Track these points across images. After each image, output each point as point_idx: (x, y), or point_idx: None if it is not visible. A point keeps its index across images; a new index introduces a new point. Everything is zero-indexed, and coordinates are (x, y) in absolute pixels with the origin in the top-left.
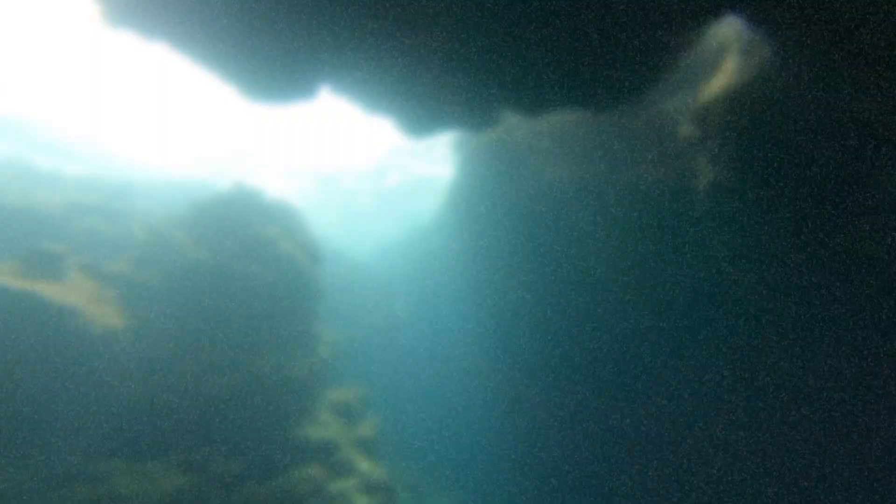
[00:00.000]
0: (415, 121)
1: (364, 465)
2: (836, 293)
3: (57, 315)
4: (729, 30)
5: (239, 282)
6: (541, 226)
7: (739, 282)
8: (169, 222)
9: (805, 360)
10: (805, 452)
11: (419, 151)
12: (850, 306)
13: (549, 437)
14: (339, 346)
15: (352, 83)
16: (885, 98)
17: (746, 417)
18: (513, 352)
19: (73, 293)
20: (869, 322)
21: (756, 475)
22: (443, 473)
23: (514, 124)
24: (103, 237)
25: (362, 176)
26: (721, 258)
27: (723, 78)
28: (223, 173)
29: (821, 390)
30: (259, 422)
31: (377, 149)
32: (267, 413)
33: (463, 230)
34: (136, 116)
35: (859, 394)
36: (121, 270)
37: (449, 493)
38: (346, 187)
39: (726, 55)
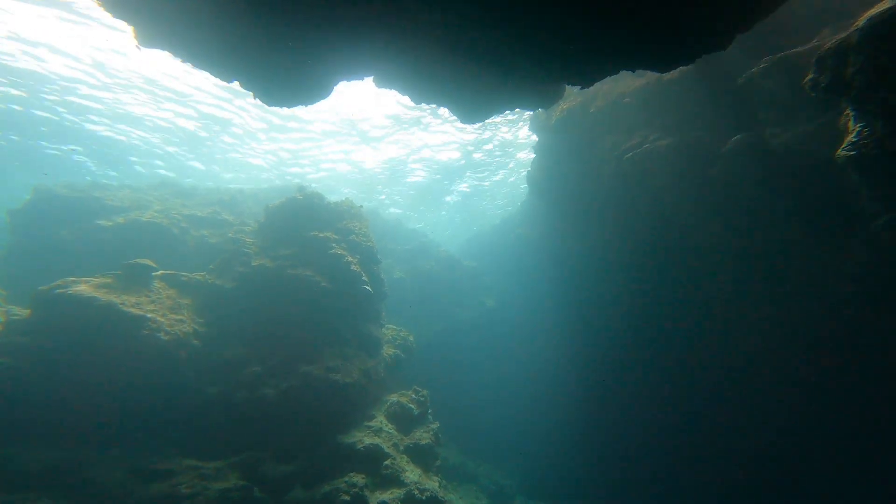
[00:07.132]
0: (467, 104)
1: (413, 475)
2: None
3: (131, 323)
4: None
5: (295, 285)
6: (625, 204)
7: None
8: (246, 229)
9: None
10: None
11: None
12: None
13: (656, 444)
14: (409, 347)
15: (394, 76)
16: None
17: None
18: (607, 344)
19: (149, 303)
20: None
21: None
22: (535, 476)
23: (590, 96)
24: (209, 246)
25: (454, 169)
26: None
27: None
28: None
29: None
30: (310, 426)
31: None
32: (318, 417)
33: (545, 215)
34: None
35: None
36: (199, 279)
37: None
38: (437, 181)
39: None
